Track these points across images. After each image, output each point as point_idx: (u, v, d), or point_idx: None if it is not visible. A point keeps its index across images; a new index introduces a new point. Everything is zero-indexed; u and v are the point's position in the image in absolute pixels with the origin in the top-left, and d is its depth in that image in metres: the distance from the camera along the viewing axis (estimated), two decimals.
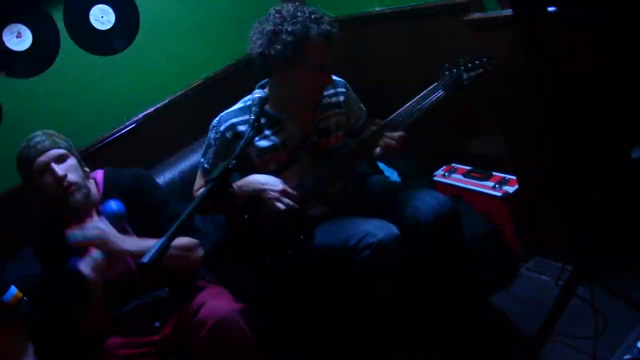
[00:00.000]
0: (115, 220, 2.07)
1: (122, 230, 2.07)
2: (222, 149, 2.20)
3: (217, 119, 2.22)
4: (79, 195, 2.05)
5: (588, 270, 1.93)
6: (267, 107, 2.08)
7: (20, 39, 2.57)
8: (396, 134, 2.03)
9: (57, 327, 2.04)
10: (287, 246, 2.15)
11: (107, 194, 2.16)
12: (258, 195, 2.10)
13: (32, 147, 2.01)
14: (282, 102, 2.15)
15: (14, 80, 2.57)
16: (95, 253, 1.98)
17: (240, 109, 2.21)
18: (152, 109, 2.87)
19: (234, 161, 1.60)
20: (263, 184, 2.11)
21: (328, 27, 2.00)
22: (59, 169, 2.02)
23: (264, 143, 2.17)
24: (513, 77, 2.17)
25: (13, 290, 1.82)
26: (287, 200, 2.07)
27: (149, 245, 2.00)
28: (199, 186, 2.34)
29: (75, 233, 1.96)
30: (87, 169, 2.16)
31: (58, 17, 2.64)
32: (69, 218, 2.06)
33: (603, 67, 1.72)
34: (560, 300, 1.99)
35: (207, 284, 2.25)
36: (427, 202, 2.09)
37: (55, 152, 2.04)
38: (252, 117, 1.89)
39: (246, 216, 2.13)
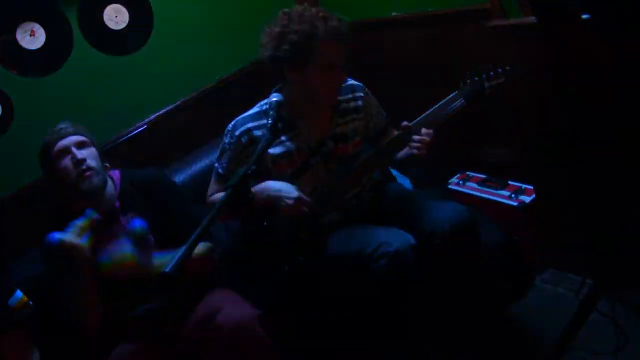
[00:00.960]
0: (140, 242, 2.02)
1: (146, 251, 2.02)
2: (237, 154, 2.16)
3: (232, 123, 2.18)
4: (96, 180, 2.04)
5: (609, 284, 1.89)
6: (282, 111, 2.04)
7: (33, 37, 2.54)
8: (425, 132, 1.99)
9: (62, 330, 2.00)
10: (299, 253, 2.11)
11: (124, 192, 2.15)
12: (273, 203, 2.07)
13: (56, 132, 2.05)
14: (297, 106, 2.11)
15: (27, 78, 2.55)
16: (78, 221, 1.93)
17: (257, 113, 2.17)
18: (165, 110, 2.85)
19: (254, 166, 1.56)
20: (278, 191, 2.07)
21: (336, 24, 1.96)
22: (79, 153, 2.02)
23: (278, 149, 2.14)
24: (533, 85, 2.14)
25: (19, 294, 1.79)
26: (302, 208, 2.04)
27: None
28: (213, 191, 2.30)
29: (103, 256, 1.94)
30: (107, 164, 2.15)
31: (72, 16, 2.62)
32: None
33: (629, 76, 1.69)
34: (579, 314, 1.95)
35: (219, 288, 2.21)
36: (444, 211, 2.05)
37: (77, 137, 2.06)
38: (270, 121, 1.86)
39: (265, 223, 2.10)
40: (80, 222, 1.92)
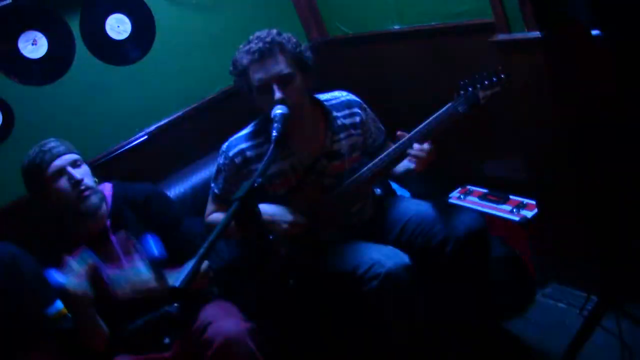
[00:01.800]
0: (155, 264, 1.97)
1: (159, 273, 1.98)
2: (232, 174, 2.15)
3: (226, 144, 2.17)
4: (95, 199, 2.02)
5: (614, 300, 1.88)
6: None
7: (35, 46, 2.53)
8: (425, 145, 1.98)
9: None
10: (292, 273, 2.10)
11: (116, 209, 2.13)
12: (267, 227, 2.05)
13: (47, 151, 2.01)
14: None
15: (28, 87, 2.53)
16: (74, 261, 1.88)
17: (250, 133, 2.15)
18: (166, 120, 2.83)
19: (260, 179, 1.55)
20: (272, 215, 2.06)
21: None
22: (76, 173, 2.00)
23: (272, 168, 2.11)
24: (536, 98, 2.14)
25: (59, 304, 1.73)
26: (297, 231, 2.03)
27: None
28: (210, 211, 2.29)
29: (116, 276, 1.92)
30: (96, 179, 2.12)
31: (74, 25, 2.61)
32: (78, 235, 2.02)
33: (636, 90, 1.69)
34: (584, 329, 1.93)
35: (216, 300, 2.20)
36: (459, 217, 2.04)
37: (71, 156, 2.04)
38: (275, 134, 1.84)
39: (271, 237, 2.08)
40: (75, 265, 1.87)
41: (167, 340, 2.09)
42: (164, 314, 2.09)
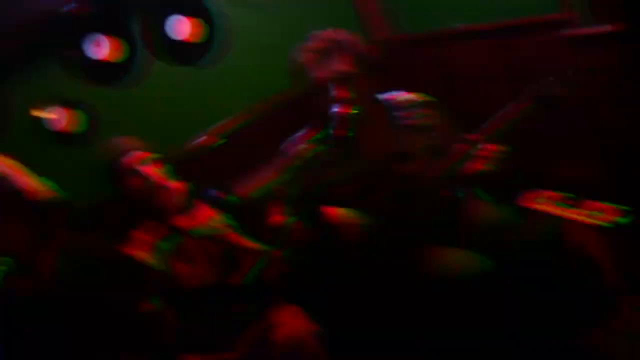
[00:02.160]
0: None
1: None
2: (296, 173, 2.12)
3: (287, 141, 2.15)
4: (166, 197, 2.06)
5: None
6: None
7: (108, 49, 2.64)
8: (494, 146, 1.90)
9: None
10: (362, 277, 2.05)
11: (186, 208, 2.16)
12: (335, 231, 2.01)
13: (122, 147, 2.13)
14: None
15: (105, 89, 2.66)
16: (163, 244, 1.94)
17: (309, 130, 2.13)
18: (239, 120, 2.86)
19: (327, 179, 1.52)
20: (340, 220, 2.03)
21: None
22: (149, 168, 2.04)
23: (338, 172, 2.07)
24: (613, 96, 2.01)
25: None
26: (364, 235, 1.98)
27: None
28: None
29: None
30: (172, 177, 2.15)
31: (149, 28, 2.73)
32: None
33: None
34: None
35: (285, 303, 2.20)
36: (533, 222, 1.93)
37: (145, 153, 2.14)
38: (335, 134, 1.80)
39: (338, 241, 2.04)
40: (164, 245, 1.92)
41: (232, 341, 2.09)
42: (233, 312, 2.10)
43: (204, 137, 2.81)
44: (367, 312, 2.10)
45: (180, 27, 2.79)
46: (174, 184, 2.19)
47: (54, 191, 1.65)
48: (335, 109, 1.92)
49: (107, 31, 2.66)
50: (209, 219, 2.05)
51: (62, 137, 2.61)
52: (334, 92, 1.94)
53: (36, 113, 2.56)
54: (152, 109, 2.77)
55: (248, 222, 2.15)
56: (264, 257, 1.98)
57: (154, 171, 2.12)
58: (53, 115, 2.59)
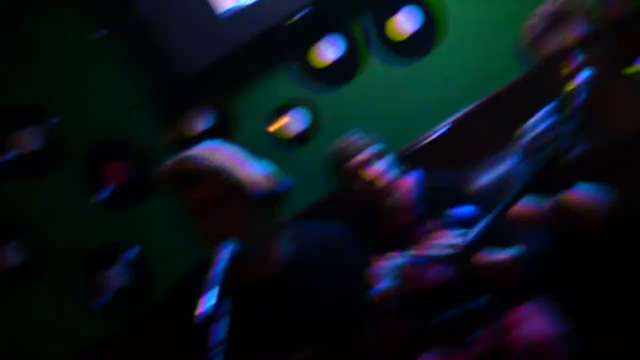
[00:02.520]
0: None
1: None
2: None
3: (521, 130, 1.94)
4: (396, 194, 1.98)
5: None
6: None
7: (331, 50, 2.67)
8: None
9: None
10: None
11: (420, 199, 2.07)
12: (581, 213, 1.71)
13: (351, 144, 2.07)
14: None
15: (327, 91, 2.68)
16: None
17: (544, 114, 1.90)
18: (463, 112, 2.71)
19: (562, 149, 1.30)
20: (585, 200, 1.68)
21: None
22: (379, 165, 1.99)
23: (576, 148, 1.78)
24: None
25: (383, 284, 1.70)
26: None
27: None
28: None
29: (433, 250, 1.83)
30: (399, 170, 2.09)
31: (361, 25, 2.69)
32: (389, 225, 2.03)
33: None
34: None
35: (531, 298, 1.98)
36: None
37: (374, 149, 2.05)
38: (578, 103, 1.55)
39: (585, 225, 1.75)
40: (396, 264, 1.83)
41: (472, 338, 1.95)
42: (469, 308, 1.97)
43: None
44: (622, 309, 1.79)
45: (400, 22, 2.72)
46: (401, 182, 2.10)
47: (276, 179, 1.64)
48: (572, 82, 1.65)
49: (329, 32, 2.68)
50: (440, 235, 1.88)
51: (291, 141, 2.68)
52: (568, 65, 1.68)
53: (271, 127, 2.68)
54: (374, 106, 2.71)
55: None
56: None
57: (380, 170, 2.05)
58: (284, 123, 2.68)
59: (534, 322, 1.77)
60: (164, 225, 2.52)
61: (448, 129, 2.70)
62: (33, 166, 2.57)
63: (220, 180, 1.52)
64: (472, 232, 1.39)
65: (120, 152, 2.62)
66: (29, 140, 2.55)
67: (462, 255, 1.47)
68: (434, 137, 2.69)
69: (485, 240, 1.58)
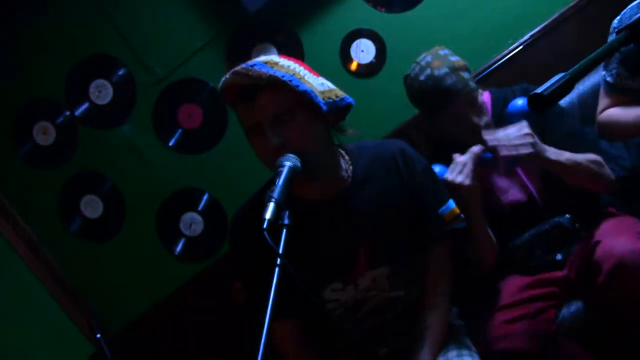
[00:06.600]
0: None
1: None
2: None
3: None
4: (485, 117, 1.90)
5: None
6: None
7: None
8: None
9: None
10: None
11: (497, 116, 1.93)
12: None
13: (439, 87, 1.85)
14: None
15: (392, 15, 2.54)
16: (460, 155, 1.75)
17: None
18: (540, 27, 2.49)
19: None
20: None
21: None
22: (469, 114, 1.87)
23: None
24: None
25: (451, 204, 1.64)
26: None
27: (569, 156, 1.73)
28: (605, 105, 1.91)
29: (497, 137, 1.74)
30: (479, 90, 1.94)
31: None
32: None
33: None
34: None
35: (617, 213, 1.86)
36: None
37: (467, 97, 1.85)
38: None
39: None
40: (462, 159, 1.74)
41: (559, 257, 1.83)
42: (554, 225, 1.84)
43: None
44: None
45: None
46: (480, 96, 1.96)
47: (339, 93, 1.56)
48: None
49: None
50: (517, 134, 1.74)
51: (360, 70, 2.57)
52: None
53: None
54: (447, 29, 2.52)
55: None
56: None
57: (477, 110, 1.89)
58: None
59: (615, 239, 1.61)
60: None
61: (524, 45, 2.51)
62: (106, 118, 2.65)
63: (285, 91, 1.42)
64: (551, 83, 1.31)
65: (192, 95, 2.63)
66: (101, 92, 2.61)
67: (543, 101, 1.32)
68: (507, 56, 2.52)
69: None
